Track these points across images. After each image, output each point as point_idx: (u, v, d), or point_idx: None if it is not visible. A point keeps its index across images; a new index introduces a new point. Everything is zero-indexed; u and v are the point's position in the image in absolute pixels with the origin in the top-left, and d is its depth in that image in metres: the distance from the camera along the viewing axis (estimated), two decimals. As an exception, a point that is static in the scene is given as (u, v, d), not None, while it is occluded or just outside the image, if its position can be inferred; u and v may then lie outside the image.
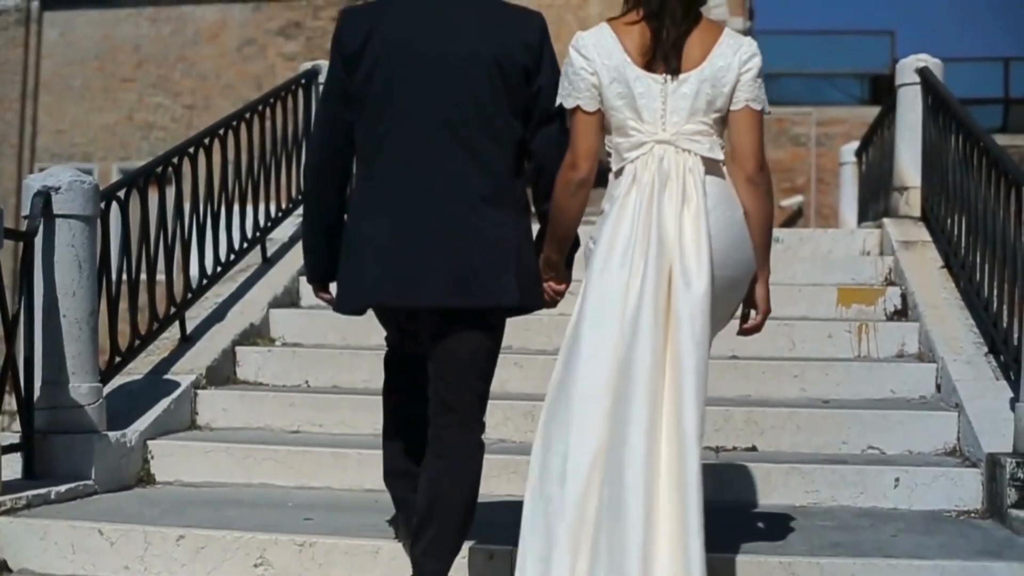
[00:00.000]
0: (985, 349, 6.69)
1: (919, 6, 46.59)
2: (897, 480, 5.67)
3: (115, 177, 23.19)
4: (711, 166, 4.01)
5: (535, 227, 4.29)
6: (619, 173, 4.02)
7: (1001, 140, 22.75)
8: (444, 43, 4.13)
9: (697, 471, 3.73)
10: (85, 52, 23.75)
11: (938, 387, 6.66)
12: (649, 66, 4.00)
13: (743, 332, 4.29)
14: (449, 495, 4.13)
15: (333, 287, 4.39)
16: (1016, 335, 6.01)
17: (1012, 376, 6.08)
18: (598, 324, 3.85)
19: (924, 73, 8.85)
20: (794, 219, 22.83)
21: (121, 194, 6.46)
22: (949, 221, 7.91)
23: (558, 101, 4.09)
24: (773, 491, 5.72)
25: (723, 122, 4.09)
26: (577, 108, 4.04)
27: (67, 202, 5.72)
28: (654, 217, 3.88)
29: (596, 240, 3.98)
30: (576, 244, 4.30)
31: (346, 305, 4.25)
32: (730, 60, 4.05)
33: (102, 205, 6.09)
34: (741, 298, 4.16)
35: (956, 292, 7.50)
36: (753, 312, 4.23)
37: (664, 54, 3.99)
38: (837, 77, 24.45)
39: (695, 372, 3.77)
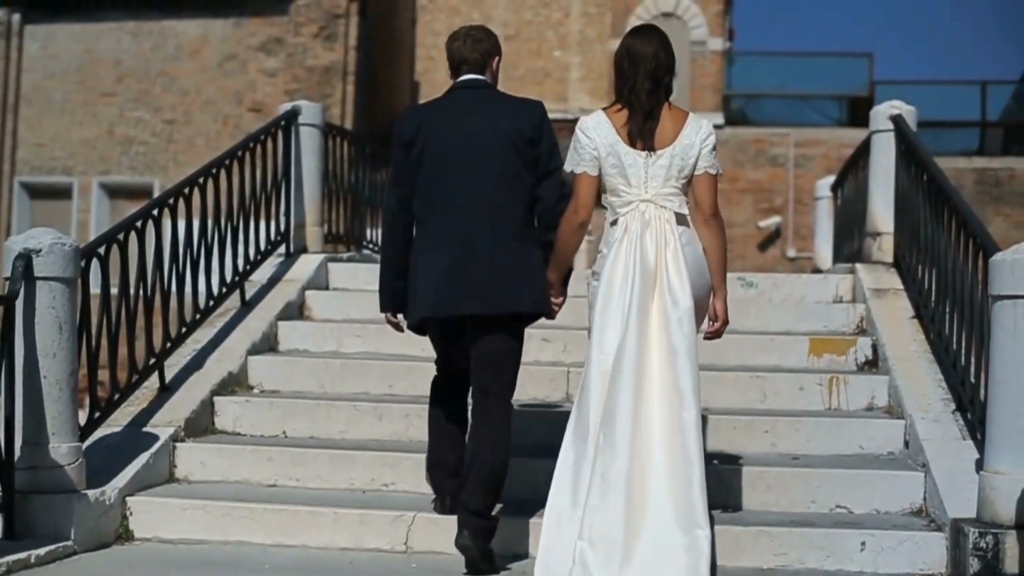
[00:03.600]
0: (953, 406, 6.80)
1: (898, 29, 46.87)
2: (863, 544, 5.79)
3: (95, 191, 23.25)
4: (680, 218, 5.49)
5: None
6: (614, 223, 5.50)
7: (977, 162, 23.16)
8: (472, 128, 5.81)
9: (695, 416, 5.25)
10: (66, 66, 23.73)
11: (906, 443, 6.76)
12: (632, 143, 5.48)
13: (708, 337, 5.71)
14: (486, 456, 5.71)
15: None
16: (982, 394, 6.10)
17: (978, 436, 6.19)
18: (606, 331, 5.37)
19: (897, 121, 8.95)
20: (772, 239, 22.97)
21: (102, 251, 6.51)
22: (920, 269, 8.02)
23: (569, 167, 5.60)
24: (742, 554, 5.83)
25: (688, 184, 5.54)
26: (584, 173, 5.54)
27: (48, 264, 5.80)
28: (638, 252, 5.37)
29: (599, 274, 5.48)
30: (570, 270, 5.91)
31: (411, 319, 5.93)
32: (693, 139, 5.53)
33: (82, 263, 6.16)
34: (707, 308, 5.60)
35: (926, 344, 7.61)
36: (710, 322, 5.66)
37: (640, 132, 5.48)
38: (816, 98, 24.62)
39: (687, 354, 5.29)
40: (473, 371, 5.84)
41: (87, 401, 6.42)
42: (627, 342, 5.27)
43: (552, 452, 6.70)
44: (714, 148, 5.56)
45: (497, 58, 6.06)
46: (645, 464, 5.22)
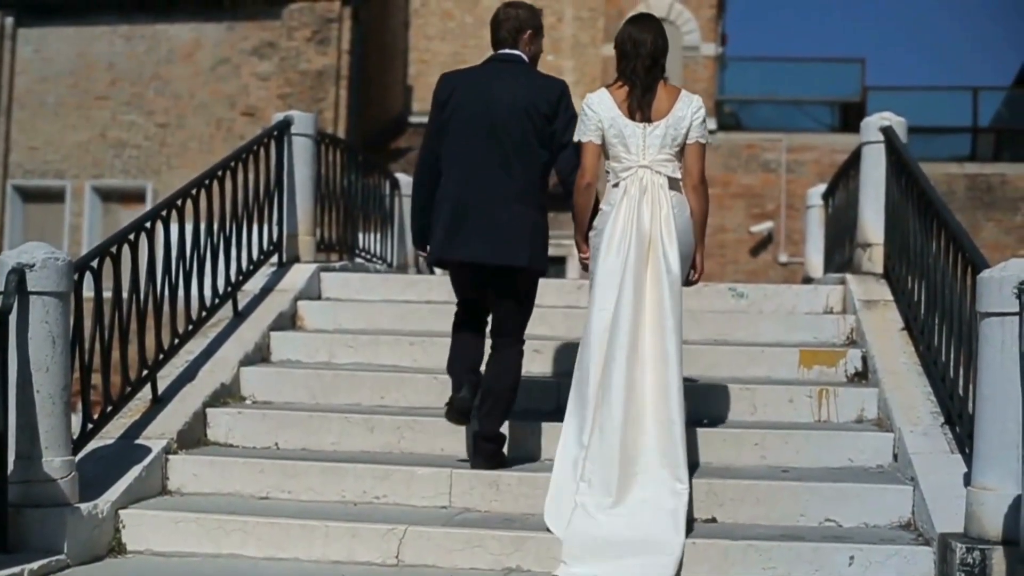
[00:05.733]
0: (942, 419, 6.82)
1: (890, 35, 46.96)
2: (852, 558, 5.81)
3: (88, 195, 23.26)
4: (673, 183, 6.30)
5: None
6: (615, 185, 6.28)
7: (969, 168, 23.22)
8: (495, 97, 6.59)
9: (678, 376, 6.01)
10: (59, 69, 23.78)
11: (895, 456, 6.79)
12: (632, 116, 6.28)
13: (687, 284, 6.47)
14: (500, 383, 6.68)
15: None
16: (971, 408, 6.13)
17: (967, 450, 6.22)
18: (604, 287, 6.12)
19: (888, 133, 8.98)
20: (764, 244, 23.02)
21: (95, 264, 6.53)
22: (910, 281, 8.04)
23: (576, 137, 6.38)
24: (731, 568, 5.85)
25: (681, 152, 6.33)
26: (589, 141, 6.35)
27: (41, 279, 5.81)
28: (635, 217, 6.14)
29: (599, 228, 6.25)
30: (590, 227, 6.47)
31: (429, 259, 6.85)
32: (685, 112, 6.33)
33: (75, 276, 6.18)
34: (690, 263, 6.41)
35: (915, 356, 7.63)
36: (692, 272, 6.51)
37: (639, 105, 6.29)
38: (808, 104, 24.66)
39: (674, 317, 6.04)
40: (492, 313, 6.80)
41: (79, 405, 6.43)
42: (623, 303, 6.03)
43: (542, 465, 6.80)
44: (703, 120, 6.38)
45: (529, 31, 6.79)
46: (637, 417, 5.94)
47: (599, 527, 5.81)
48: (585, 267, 6.62)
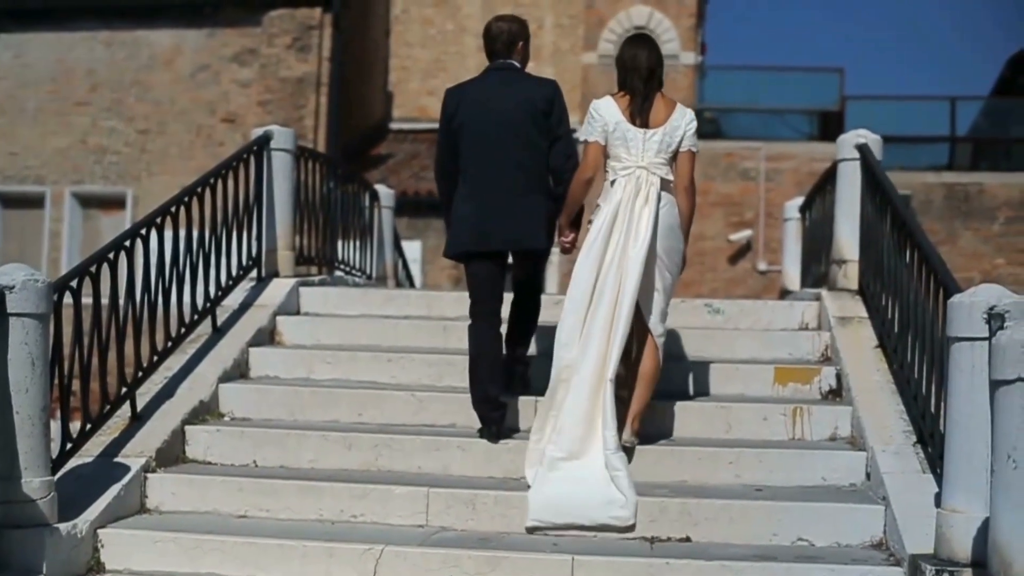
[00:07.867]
0: (914, 439, 6.88)
1: (868, 44, 47.17)
2: (824, 579, 5.87)
3: (68, 201, 23.21)
4: (665, 184, 7.04)
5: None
6: (613, 183, 7.02)
7: (947, 177, 23.23)
8: (500, 102, 7.36)
9: (622, 337, 6.84)
10: (39, 75, 23.74)
11: (868, 475, 6.85)
12: (633, 121, 7.04)
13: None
14: (523, 319, 7.74)
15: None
16: (942, 427, 6.17)
17: (938, 470, 6.27)
18: (586, 266, 6.90)
19: (863, 150, 9.03)
20: (743, 252, 23.09)
21: (74, 284, 6.56)
22: (884, 298, 8.09)
23: (583, 137, 7.10)
24: (705, 588, 5.91)
25: (674, 158, 7.10)
26: (595, 142, 7.09)
27: (21, 301, 5.83)
28: (629, 207, 6.91)
29: (593, 221, 6.98)
30: (580, 213, 7.37)
31: (452, 251, 7.48)
32: (680, 123, 7.12)
33: (55, 297, 6.20)
34: (679, 255, 7.18)
35: (889, 374, 7.68)
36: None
37: (639, 112, 7.05)
38: (787, 113, 24.75)
39: (634, 279, 6.83)
40: (515, 277, 7.71)
41: (58, 414, 6.45)
42: (608, 282, 6.83)
43: (518, 484, 6.84)
44: (695, 132, 7.16)
45: (521, 42, 7.57)
46: (606, 360, 6.81)
47: (562, 478, 6.56)
48: (565, 249, 7.47)
